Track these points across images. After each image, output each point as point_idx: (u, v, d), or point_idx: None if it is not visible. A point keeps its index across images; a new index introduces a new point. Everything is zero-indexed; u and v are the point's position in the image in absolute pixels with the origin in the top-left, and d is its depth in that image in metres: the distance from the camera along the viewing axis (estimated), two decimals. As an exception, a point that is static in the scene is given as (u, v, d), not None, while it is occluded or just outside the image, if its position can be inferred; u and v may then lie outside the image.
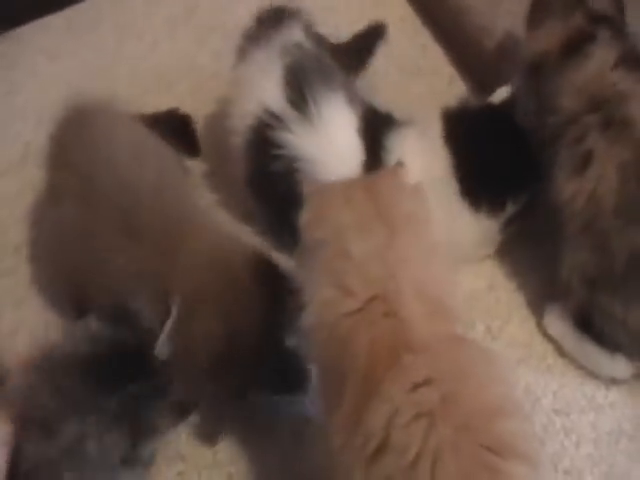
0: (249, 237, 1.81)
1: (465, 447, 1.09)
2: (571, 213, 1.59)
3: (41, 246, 1.89)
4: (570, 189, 1.58)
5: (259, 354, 1.46)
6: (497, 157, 1.71)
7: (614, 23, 1.68)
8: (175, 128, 1.89)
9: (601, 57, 1.62)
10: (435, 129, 1.74)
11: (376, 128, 1.75)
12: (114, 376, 1.34)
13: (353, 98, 1.76)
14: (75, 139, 1.66)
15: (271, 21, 1.83)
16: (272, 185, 1.71)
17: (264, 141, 1.69)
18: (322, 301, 1.25)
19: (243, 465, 1.60)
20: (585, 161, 1.56)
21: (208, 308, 1.49)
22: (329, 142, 1.70)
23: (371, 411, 1.14)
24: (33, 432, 1.30)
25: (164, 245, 1.53)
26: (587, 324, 1.62)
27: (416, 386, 1.13)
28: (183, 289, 1.49)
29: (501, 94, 1.80)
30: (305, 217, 1.32)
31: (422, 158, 1.71)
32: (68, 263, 1.66)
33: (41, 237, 1.89)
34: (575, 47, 1.65)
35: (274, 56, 1.73)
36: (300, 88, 1.69)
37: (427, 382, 1.13)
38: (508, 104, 1.77)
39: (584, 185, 1.56)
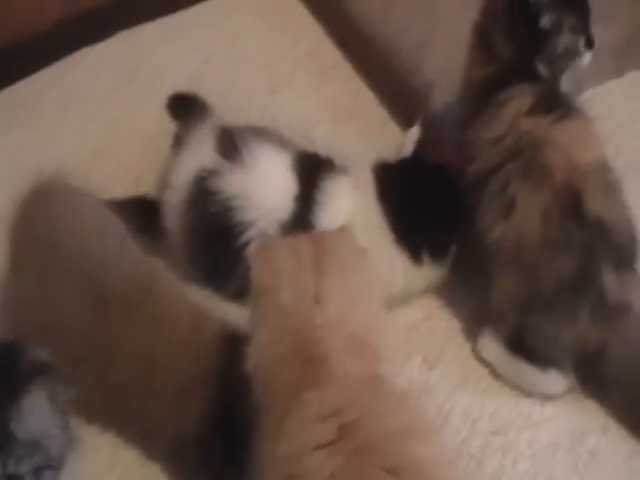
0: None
1: (360, 471, 1.14)
2: (499, 251, 1.67)
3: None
4: (497, 231, 1.66)
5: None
6: (433, 207, 1.80)
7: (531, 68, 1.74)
8: (140, 212, 1.93)
9: (515, 104, 1.69)
10: (369, 182, 1.82)
11: (311, 169, 1.82)
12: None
13: (285, 143, 1.85)
14: (39, 213, 1.72)
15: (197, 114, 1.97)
16: (211, 230, 1.78)
17: (202, 193, 1.77)
18: (258, 345, 1.33)
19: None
20: (509, 207, 1.64)
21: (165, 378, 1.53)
22: (260, 179, 1.77)
23: (278, 445, 1.20)
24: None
25: (127, 311, 1.57)
26: (519, 345, 1.68)
27: (316, 419, 1.19)
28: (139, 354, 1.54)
29: (412, 135, 1.85)
30: (254, 267, 1.39)
31: (356, 203, 1.80)
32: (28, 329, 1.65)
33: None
34: (491, 91, 1.72)
35: (206, 132, 1.85)
36: (231, 141, 1.79)
37: (328, 416, 1.19)
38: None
39: (510, 228, 1.64)
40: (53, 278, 1.61)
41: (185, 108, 2.09)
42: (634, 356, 1.65)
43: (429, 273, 1.80)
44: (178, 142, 1.95)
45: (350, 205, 1.79)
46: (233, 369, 1.43)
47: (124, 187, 2.08)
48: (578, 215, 1.60)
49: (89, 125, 2.28)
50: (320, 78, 2.33)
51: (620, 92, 2.21)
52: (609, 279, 1.60)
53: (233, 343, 1.50)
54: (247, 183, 1.74)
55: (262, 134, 1.84)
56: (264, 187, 1.75)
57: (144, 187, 2.07)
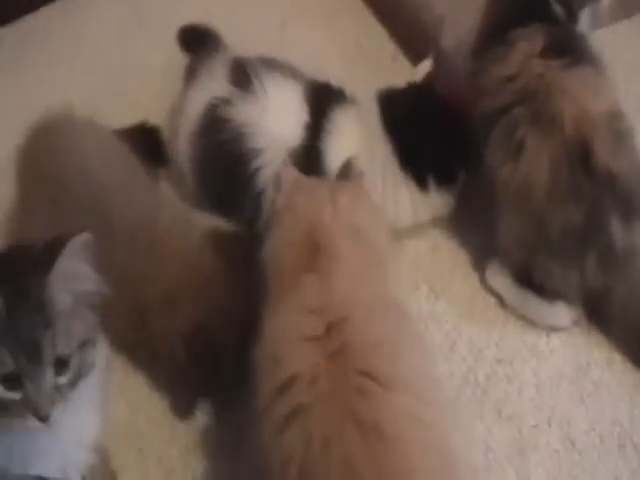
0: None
1: (340, 371, 1.19)
2: (506, 191, 1.64)
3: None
4: (504, 172, 1.63)
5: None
6: (439, 133, 1.77)
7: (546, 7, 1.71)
8: (144, 140, 1.95)
9: (527, 44, 1.65)
10: (374, 112, 1.81)
11: (322, 98, 1.81)
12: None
13: (297, 74, 1.84)
14: (46, 148, 1.72)
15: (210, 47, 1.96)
16: (222, 158, 1.78)
17: (214, 120, 1.77)
18: (273, 238, 1.42)
19: (199, 437, 1.64)
20: (517, 150, 1.60)
21: (185, 303, 1.56)
22: (271, 107, 1.77)
23: (270, 323, 1.29)
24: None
25: (135, 243, 1.59)
26: (527, 278, 1.67)
27: (308, 311, 1.26)
28: (157, 286, 1.56)
29: (424, 67, 1.87)
30: (277, 201, 1.47)
31: (363, 134, 1.79)
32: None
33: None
34: (500, 31, 1.69)
35: (219, 63, 1.85)
36: (244, 71, 1.80)
37: (319, 310, 1.26)
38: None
39: (517, 170, 1.61)
40: (61, 210, 1.63)
41: (197, 40, 2.06)
42: (636, 299, 1.65)
43: (436, 201, 1.79)
44: (190, 74, 1.94)
45: (358, 135, 1.79)
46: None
47: (133, 121, 2.07)
48: (587, 166, 1.58)
49: (99, 61, 2.30)
50: (331, 14, 2.32)
51: (628, 34, 2.18)
52: (617, 228, 1.59)
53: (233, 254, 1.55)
54: (258, 111, 1.74)
55: (274, 65, 1.84)
56: (275, 115, 1.75)
57: (154, 120, 2.07)
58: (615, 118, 1.62)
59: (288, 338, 1.24)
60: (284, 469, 1.16)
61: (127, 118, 2.06)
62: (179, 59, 2.06)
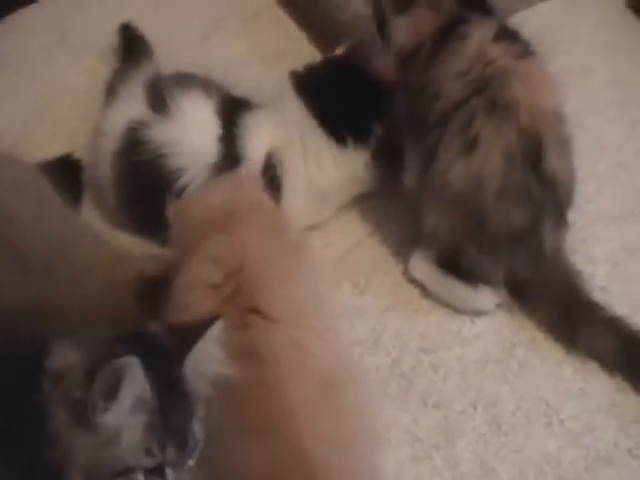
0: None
1: (233, 311, 1.31)
2: (449, 186, 1.64)
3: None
4: (455, 169, 1.63)
5: None
6: (349, 95, 1.85)
7: (481, 1, 1.74)
8: (66, 173, 1.94)
9: (480, 34, 1.66)
10: (288, 90, 1.87)
11: (231, 110, 1.86)
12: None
13: (210, 89, 1.89)
14: None
15: (133, 59, 2.03)
16: (143, 179, 1.82)
17: (133, 142, 1.82)
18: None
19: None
20: (472, 144, 1.60)
21: None
22: (186, 127, 1.82)
23: (178, 278, 1.40)
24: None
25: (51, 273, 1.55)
26: (451, 264, 1.69)
27: (210, 261, 1.37)
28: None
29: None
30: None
31: (276, 130, 1.86)
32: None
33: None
34: (449, 32, 1.68)
35: (136, 83, 1.89)
36: (159, 93, 1.84)
37: (220, 261, 1.37)
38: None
39: (470, 166, 1.61)
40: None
41: (130, 43, 2.15)
42: (558, 284, 1.70)
43: (355, 157, 1.86)
44: (110, 91, 1.99)
45: (270, 130, 1.86)
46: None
47: (58, 144, 2.09)
48: (538, 167, 1.61)
49: (25, 87, 2.28)
50: (251, 22, 2.34)
51: (549, 14, 2.24)
52: (548, 232, 1.63)
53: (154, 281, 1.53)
54: (175, 132, 1.79)
55: (189, 82, 1.89)
56: (191, 135, 1.80)
57: (78, 142, 2.09)
58: (561, 120, 1.66)
59: (191, 287, 1.35)
60: None
61: (52, 143, 2.09)
62: (102, 79, 2.09)
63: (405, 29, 1.73)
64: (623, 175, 1.95)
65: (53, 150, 2.04)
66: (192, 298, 1.34)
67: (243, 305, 1.32)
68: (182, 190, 1.76)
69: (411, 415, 1.59)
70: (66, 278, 1.53)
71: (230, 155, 1.80)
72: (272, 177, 1.80)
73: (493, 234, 1.61)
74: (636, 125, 2.04)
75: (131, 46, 2.15)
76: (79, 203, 1.93)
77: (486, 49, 1.62)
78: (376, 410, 1.47)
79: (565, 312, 1.65)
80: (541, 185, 1.59)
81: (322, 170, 1.84)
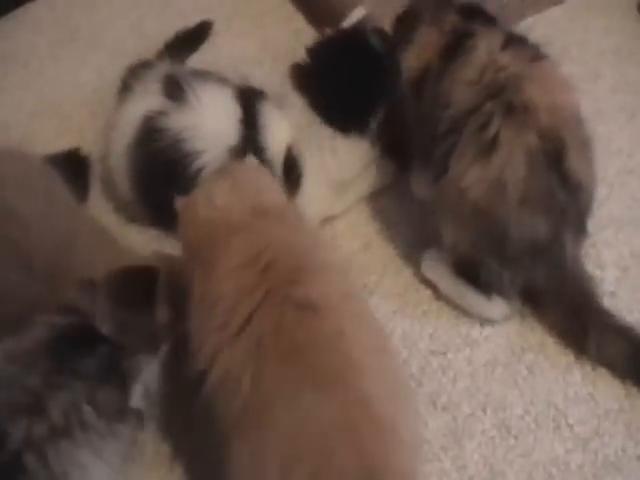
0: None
1: (273, 277, 1.36)
2: (466, 198, 1.58)
3: None
4: (472, 176, 1.56)
5: None
6: (342, 84, 1.83)
7: (483, 13, 1.72)
8: (73, 168, 1.94)
9: (487, 44, 1.63)
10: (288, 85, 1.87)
11: (250, 98, 1.87)
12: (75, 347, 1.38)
13: (226, 82, 1.89)
14: None
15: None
16: (161, 165, 1.81)
17: (150, 131, 1.81)
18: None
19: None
20: (491, 146, 1.55)
21: None
22: (206, 111, 1.81)
23: (213, 287, 1.41)
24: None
25: (54, 270, 1.54)
26: (467, 272, 1.67)
27: (242, 267, 1.38)
28: None
29: (356, 14, 1.95)
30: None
31: (288, 119, 1.85)
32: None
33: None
34: (456, 47, 1.66)
35: (153, 77, 1.87)
36: (176, 83, 1.84)
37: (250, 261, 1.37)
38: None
39: (488, 171, 1.55)
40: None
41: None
42: (571, 290, 1.68)
43: (362, 146, 1.87)
44: (124, 89, 1.96)
45: (287, 123, 1.86)
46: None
47: (66, 140, 2.10)
48: (561, 169, 1.56)
49: (33, 82, 2.29)
50: (260, 19, 2.35)
51: (558, 19, 2.23)
52: (570, 241, 1.61)
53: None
54: (194, 117, 1.78)
55: (204, 75, 1.89)
56: (210, 118, 1.79)
57: (87, 138, 2.10)
58: (580, 122, 1.62)
59: (230, 294, 1.36)
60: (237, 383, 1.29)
61: (60, 139, 2.10)
62: (112, 76, 2.08)
63: (412, 54, 1.72)
64: (633, 181, 1.95)
65: (61, 146, 2.05)
66: (232, 305, 1.35)
67: (284, 272, 1.35)
68: (198, 173, 1.76)
69: (420, 417, 1.56)
70: (68, 274, 1.51)
71: (250, 140, 1.80)
72: (293, 170, 1.81)
73: (516, 247, 1.58)
74: (646, 132, 2.00)
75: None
76: (86, 198, 1.94)
77: (496, 57, 1.59)
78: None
79: (576, 318, 1.64)
80: (565, 189, 1.56)
81: (338, 161, 1.84)
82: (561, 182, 1.55)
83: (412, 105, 1.72)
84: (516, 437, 1.57)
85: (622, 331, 1.62)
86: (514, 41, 1.63)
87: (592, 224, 1.72)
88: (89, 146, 2.07)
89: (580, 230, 1.63)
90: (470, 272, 1.66)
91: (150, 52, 2.11)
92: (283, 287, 1.32)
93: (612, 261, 1.81)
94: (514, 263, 1.60)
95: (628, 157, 2.01)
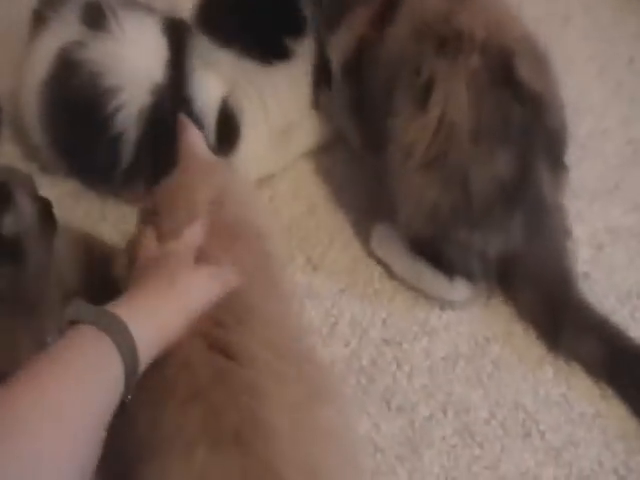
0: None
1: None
2: (413, 152, 1.38)
3: None
4: (414, 127, 1.37)
5: None
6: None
7: None
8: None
9: None
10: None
11: (180, 34, 1.64)
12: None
13: (153, 11, 1.68)
14: None
15: None
16: (75, 103, 1.62)
17: (66, 65, 1.61)
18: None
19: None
20: (427, 89, 1.36)
21: None
22: (130, 43, 1.61)
23: None
24: None
25: None
26: (426, 251, 1.47)
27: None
28: None
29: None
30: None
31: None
32: None
33: None
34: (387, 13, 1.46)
35: (70, 6, 1.66)
36: (98, 10, 1.63)
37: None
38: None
39: (429, 116, 1.35)
40: None
41: None
42: (552, 259, 1.47)
43: (299, 80, 1.68)
44: (37, 21, 1.72)
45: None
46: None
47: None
48: (512, 80, 1.35)
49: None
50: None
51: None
52: (545, 176, 1.39)
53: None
54: (115, 49, 1.59)
55: (130, 3, 1.67)
56: (133, 51, 1.59)
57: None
58: (528, 36, 1.43)
59: None
60: None
61: None
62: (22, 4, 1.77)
63: (343, 37, 1.54)
64: (607, 144, 1.75)
65: None
66: None
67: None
68: (116, 111, 1.56)
69: (372, 420, 1.38)
70: None
71: (176, 84, 1.59)
72: (230, 125, 1.61)
73: (482, 197, 1.36)
74: (620, 86, 1.79)
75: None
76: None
77: (424, 5, 1.40)
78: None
79: (551, 307, 1.45)
80: (521, 103, 1.34)
81: (279, 100, 1.65)
82: (514, 93, 1.34)
83: (348, 92, 1.56)
84: (481, 445, 1.38)
85: (597, 327, 1.43)
86: None
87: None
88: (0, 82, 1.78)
89: (555, 162, 1.41)
90: (431, 251, 1.45)
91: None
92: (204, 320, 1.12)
93: (585, 238, 1.61)
94: (485, 221, 1.39)
95: (601, 115, 1.81)
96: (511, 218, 1.38)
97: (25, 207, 1.31)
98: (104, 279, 1.32)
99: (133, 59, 1.58)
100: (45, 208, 1.34)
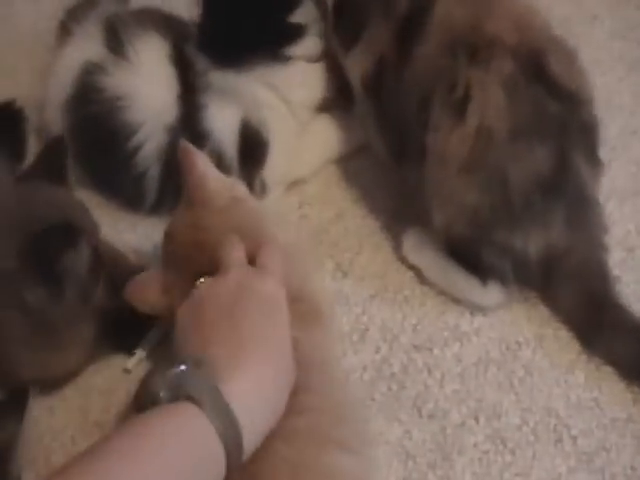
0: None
1: None
2: (452, 165, 1.40)
3: None
4: (453, 139, 1.38)
5: None
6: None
7: None
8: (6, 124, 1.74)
9: (444, 6, 1.45)
10: None
11: (186, 60, 1.63)
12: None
13: (167, 33, 1.66)
14: None
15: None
16: (97, 133, 1.62)
17: (88, 89, 1.61)
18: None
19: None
20: (464, 101, 1.38)
21: None
22: (142, 76, 1.61)
23: None
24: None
25: None
26: (461, 256, 1.47)
27: None
28: None
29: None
30: None
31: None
32: None
33: None
34: (410, 26, 1.47)
35: (94, 22, 1.67)
36: (116, 33, 1.63)
37: None
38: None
39: (468, 125, 1.37)
40: None
41: None
42: (594, 255, 1.48)
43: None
44: (63, 30, 1.75)
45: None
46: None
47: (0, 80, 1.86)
48: (545, 78, 1.37)
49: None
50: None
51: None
52: (583, 167, 1.39)
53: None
54: (133, 81, 1.59)
55: (145, 21, 1.67)
56: (150, 85, 1.60)
57: (23, 81, 1.87)
58: (554, 36, 1.46)
59: None
60: None
61: None
62: (50, 9, 1.88)
63: (361, 56, 1.54)
64: (637, 144, 1.74)
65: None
66: None
67: None
68: (138, 148, 1.57)
69: (403, 427, 1.38)
70: None
71: (189, 120, 1.59)
72: (256, 141, 1.60)
73: (522, 191, 1.37)
74: (650, 86, 1.78)
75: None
76: (23, 158, 1.71)
77: (451, 16, 1.43)
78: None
79: (590, 306, 1.45)
80: (556, 98, 1.37)
81: (302, 93, 1.64)
82: (549, 90, 1.36)
83: (371, 107, 1.55)
84: (513, 452, 1.37)
85: (636, 329, 1.43)
86: None
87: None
88: (24, 90, 1.82)
89: (592, 156, 1.43)
90: (468, 255, 1.45)
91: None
92: None
93: (617, 240, 1.59)
94: (525, 217, 1.39)
95: (630, 115, 1.80)
96: (552, 212, 1.38)
97: (82, 258, 1.34)
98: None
99: (149, 96, 1.59)
100: (97, 259, 1.36)
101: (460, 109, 1.38)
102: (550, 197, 1.38)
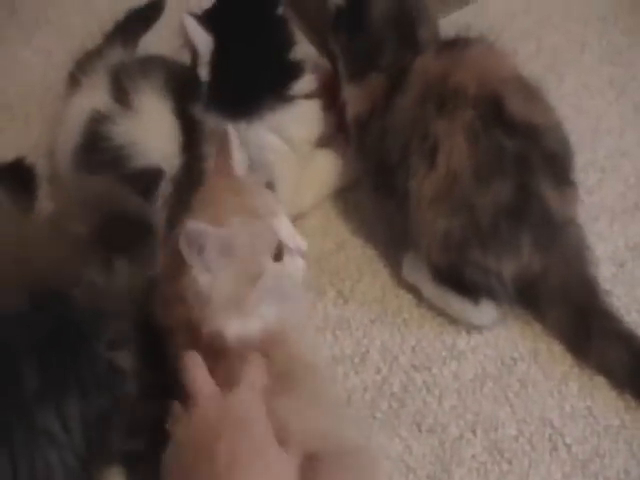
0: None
1: None
2: (425, 199, 1.52)
3: None
4: (426, 184, 1.51)
5: None
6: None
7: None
8: (17, 178, 1.79)
9: (420, 63, 1.57)
10: None
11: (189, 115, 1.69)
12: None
13: (170, 82, 1.73)
14: None
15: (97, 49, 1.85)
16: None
17: (95, 138, 1.68)
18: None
19: None
20: (434, 150, 1.50)
21: None
22: (147, 125, 1.68)
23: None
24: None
25: None
26: (449, 278, 1.55)
27: None
28: None
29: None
30: None
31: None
32: None
33: None
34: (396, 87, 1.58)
35: (100, 72, 1.74)
36: (122, 84, 1.70)
37: None
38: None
39: (439, 172, 1.49)
40: None
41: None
42: (573, 272, 1.54)
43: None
44: (73, 82, 1.83)
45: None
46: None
47: (12, 130, 1.98)
48: (502, 120, 1.46)
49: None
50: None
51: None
52: (549, 192, 1.47)
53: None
54: (137, 132, 1.66)
55: (148, 69, 1.73)
56: (154, 136, 1.66)
57: (34, 129, 1.96)
58: (519, 76, 1.54)
59: None
60: None
61: (5, 128, 1.98)
62: (60, 60, 1.94)
63: (358, 96, 1.65)
64: (626, 164, 1.81)
65: (4, 137, 1.94)
66: None
67: None
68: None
69: (403, 442, 1.45)
70: None
71: (192, 169, 1.66)
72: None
73: (487, 219, 1.47)
74: (638, 109, 1.86)
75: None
76: (32, 209, 1.75)
77: (427, 69, 1.54)
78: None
79: (579, 318, 1.51)
80: (513, 136, 1.46)
81: (303, 130, 1.71)
82: (506, 130, 1.45)
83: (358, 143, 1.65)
84: (510, 461, 1.44)
85: (625, 336, 1.50)
86: (447, 46, 1.58)
87: (583, 213, 1.61)
88: (35, 138, 1.92)
89: (560, 179, 1.51)
90: (453, 278, 1.53)
91: (100, 31, 1.91)
92: None
93: (607, 256, 1.66)
94: (494, 242, 1.48)
95: (619, 137, 1.87)
96: (518, 237, 1.46)
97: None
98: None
99: (153, 146, 1.65)
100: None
101: (431, 157, 1.49)
102: (514, 223, 1.46)
